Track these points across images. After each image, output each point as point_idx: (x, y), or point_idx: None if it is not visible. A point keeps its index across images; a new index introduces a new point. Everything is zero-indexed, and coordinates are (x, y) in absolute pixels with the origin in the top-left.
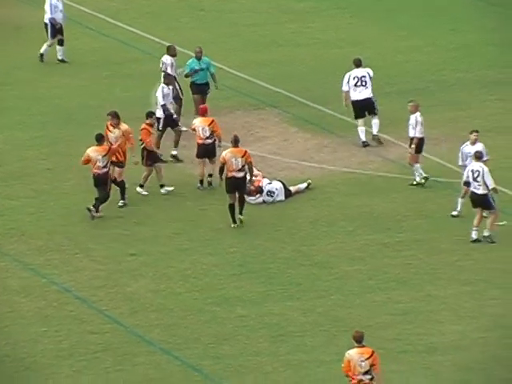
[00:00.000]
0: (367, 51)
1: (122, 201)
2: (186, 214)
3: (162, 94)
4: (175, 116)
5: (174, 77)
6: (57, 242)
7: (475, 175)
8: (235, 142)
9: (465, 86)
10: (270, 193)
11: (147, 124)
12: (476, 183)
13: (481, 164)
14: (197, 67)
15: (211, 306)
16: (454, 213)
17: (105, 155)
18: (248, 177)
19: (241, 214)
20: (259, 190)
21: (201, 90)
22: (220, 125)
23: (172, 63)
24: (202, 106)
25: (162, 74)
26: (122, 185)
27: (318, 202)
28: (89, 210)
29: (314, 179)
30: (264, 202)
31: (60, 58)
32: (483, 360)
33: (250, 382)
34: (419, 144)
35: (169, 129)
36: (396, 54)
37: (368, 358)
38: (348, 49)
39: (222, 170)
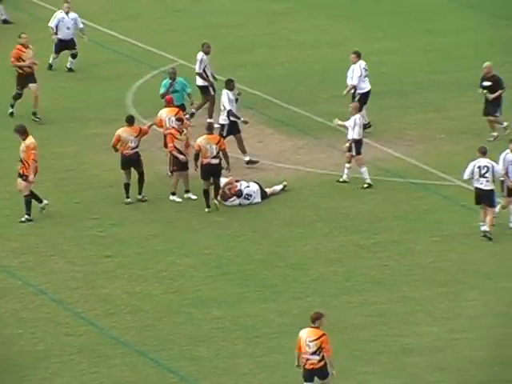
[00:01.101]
0: (344, 52)
1: (26, 216)
2: (161, 215)
3: (227, 99)
4: (242, 119)
5: (200, 73)
6: (32, 243)
7: (483, 171)
8: (209, 129)
9: (440, 87)
10: (248, 196)
11: (174, 129)
12: (484, 179)
13: (488, 160)
14: (171, 89)
15: (187, 307)
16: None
17: (137, 136)
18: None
19: (216, 198)
20: (238, 194)
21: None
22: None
23: (201, 60)
24: (168, 97)
25: (197, 74)
26: (26, 199)
27: (293, 203)
28: (140, 200)
29: (290, 181)
30: (240, 204)
31: (68, 66)
32: (458, 361)
33: (226, 383)
34: (357, 146)
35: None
36: (371, 56)
37: (316, 340)
38: (324, 50)
39: (197, 158)
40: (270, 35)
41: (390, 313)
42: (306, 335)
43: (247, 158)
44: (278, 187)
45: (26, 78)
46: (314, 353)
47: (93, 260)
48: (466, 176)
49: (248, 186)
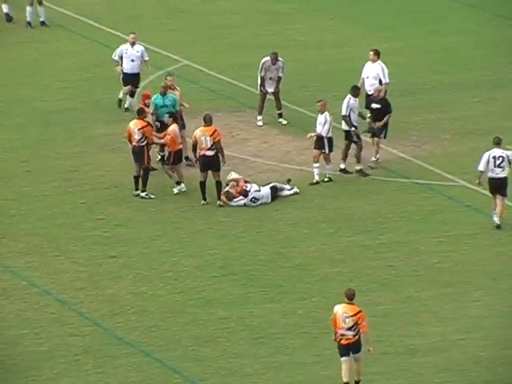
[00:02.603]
0: (347, 53)
1: None
2: (166, 216)
3: (346, 105)
4: (353, 130)
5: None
6: (37, 244)
7: (498, 161)
8: (205, 121)
9: (445, 88)
10: (254, 199)
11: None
12: (499, 169)
13: (501, 150)
14: (160, 104)
15: (192, 308)
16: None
17: (140, 128)
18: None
19: (219, 198)
20: (244, 194)
21: (163, 128)
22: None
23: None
24: (146, 93)
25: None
26: None
27: (298, 203)
28: (137, 195)
29: (295, 181)
30: (245, 204)
31: (126, 106)
32: (463, 362)
33: None
34: (330, 143)
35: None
36: None
37: (353, 316)
38: (328, 51)
39: (194, 149)
40: (274, 36)
41: (394, 313)
42: (342, 311)
43: (358, 167)
44: (289, 192)
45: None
46: (349, 328)
47: (98, 260)
48: (481, 167)
49: (258, 191)
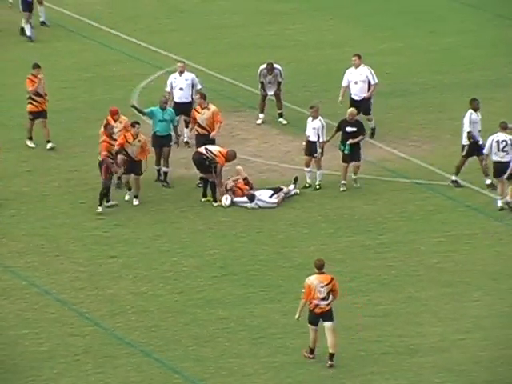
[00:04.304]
0: (347, 53)
1: None
2: (166, 216)
3: (468, 119)
4: (481, 142)
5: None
6: (37, 244)
7: (502, 145)
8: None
9: (445, 88)
10: (258, 205)
11: (130, 133)
12: (503, 153)
13: (505, 134)
14: (160, 118)
15: (192, 308)
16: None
17: (100, 142)
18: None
19: (215, 201)
20: (250, 198)
21: (161, 142)
22: None
23: (263, 74)
24: (113, 108)
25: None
26: None
27: (298, 203)
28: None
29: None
30: (247, 207)
31: (185, 139)
32: (463, 362)
33: None
34: (323, 148)
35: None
36: (376, 56)
37: (327, 284)
38: (328, 51)
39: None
40: (274, 36)
41: (394, 313)
42: (317, 281)
43: (488, 182)
44: (293, 191)
45: None
46: (324, 298)
47: (98, 260)
48: (485, 150)
49: (266, 202)
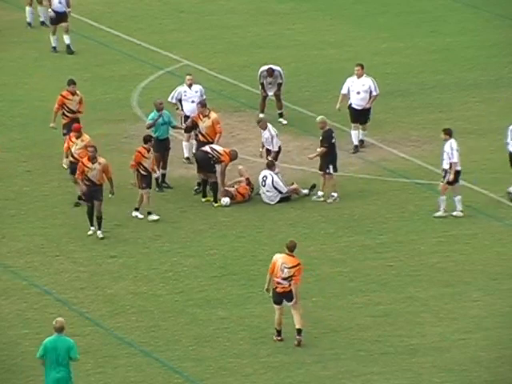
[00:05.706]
0: (348, 53)
1: None
2: (166, 215)
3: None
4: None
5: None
6: (37, 244)
7: None
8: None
9: (445, 88)
10: (271, 187)
11: (143, 147)
12: None
13: None
14: (161, 121)
15: (192, 308)
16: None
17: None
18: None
19: (215, 201)
20: (270, 165)
21: (162, 146)
22: None
23: (263, 75)
24: (76, 125)
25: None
26: None
27: (298, 203)
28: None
29: (295, 181)
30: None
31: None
32: (463, 362)
33: None
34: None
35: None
36: (376, 56)
37: (291, 268)
38: (328, 51)
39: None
40: (274, 36)
41: (394, 313)
42: (282, 261)
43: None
44: (304, 191)
45: None
46: (285, 278)
47: (98, 260)
48: (507, 140)
49: (278, 184)
